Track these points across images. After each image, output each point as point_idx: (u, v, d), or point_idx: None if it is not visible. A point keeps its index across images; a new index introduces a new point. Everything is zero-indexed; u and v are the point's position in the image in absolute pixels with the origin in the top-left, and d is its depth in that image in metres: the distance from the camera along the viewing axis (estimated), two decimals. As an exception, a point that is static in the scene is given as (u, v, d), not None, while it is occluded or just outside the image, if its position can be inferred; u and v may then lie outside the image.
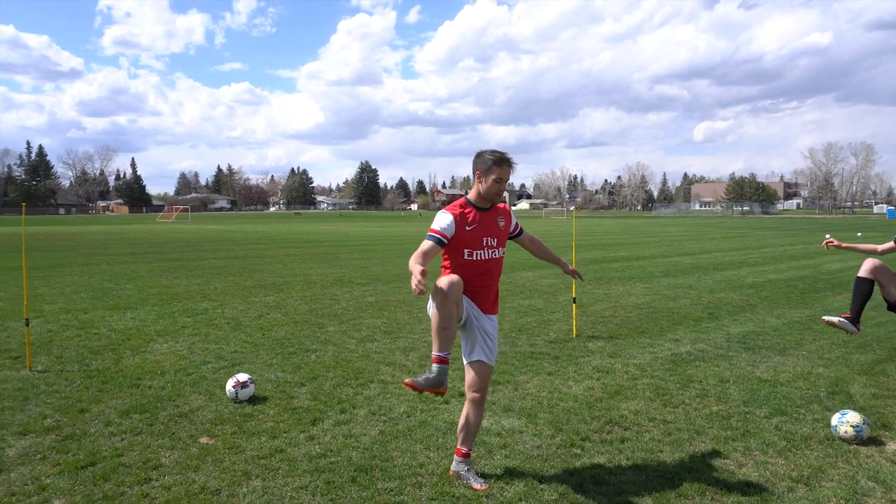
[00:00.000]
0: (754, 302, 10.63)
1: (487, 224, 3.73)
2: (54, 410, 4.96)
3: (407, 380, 3.50)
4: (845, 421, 4.38)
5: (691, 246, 25.65)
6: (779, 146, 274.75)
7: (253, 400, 5.20)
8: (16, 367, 6.25)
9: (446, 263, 3.73)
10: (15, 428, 4.58)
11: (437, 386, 3.47)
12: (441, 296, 3.37)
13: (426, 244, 3.55)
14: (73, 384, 5.65)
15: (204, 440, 4.39)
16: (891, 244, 5.37)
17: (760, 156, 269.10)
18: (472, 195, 3.76)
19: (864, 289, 5.11)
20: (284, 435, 4.48)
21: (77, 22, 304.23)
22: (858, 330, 5.18)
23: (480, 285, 3.72)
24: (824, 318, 5.33)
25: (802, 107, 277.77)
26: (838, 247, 5.40)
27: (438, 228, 3.59)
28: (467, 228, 3.64)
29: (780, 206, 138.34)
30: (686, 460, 4.10)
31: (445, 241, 3.59)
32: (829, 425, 4.57)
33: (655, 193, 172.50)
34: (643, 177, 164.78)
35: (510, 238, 4.03)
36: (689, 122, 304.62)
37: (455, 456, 3.86)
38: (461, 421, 3.84)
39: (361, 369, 6.24)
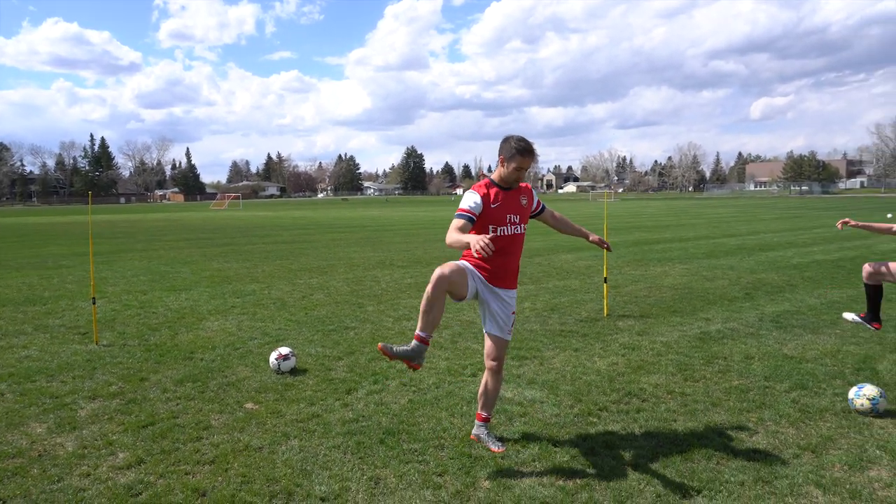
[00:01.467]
0: (796, 282, 10.49)
1: (511, 202, 3.95)
2: (118, 379, 5.50)
3: (381, 344, 3.59)
4: (862, 394, 4.46)
5: (739, 227, 25.07)
6: (843, 122, 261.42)
7: (294, 371, 5.62)
8: (84, 341, 6.88)
9: None
10: (85, 393, 5.12)
11: (410, 360, 3.60)
12: (434, 283, 3.60)
13: (458, 222, 3.78)
14: (134, 356, 6.21)
15: (249, 406, 4.82)
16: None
17: (823, 132, 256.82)
18: (495, 176, 3.98)
19: (870, 292, 5.16)
20: (321, 402, 4.87)
21: (136, 17, 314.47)
22: (879, 327, 5.21)
23: (503, 260, 3.95)
24: (844, 315, 5.39)
25: (871, 79, 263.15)
26: (855, 226, 5.34)
27: (467, 207, 3.83)
28: (492, 206, 3.87)
29: (841, 185, 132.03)
30: (698, 429, 4.28)
31: (474, 218, 3.82)
32: (846, 399, 4.65)
33: (708, 174, 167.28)
34: (695, 157, 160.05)
35: (533, 216, 4.25)
36: (745, 99, 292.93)
37: (476, 420, 4.16)
38: (481, 388, 4.13)
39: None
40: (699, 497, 3.38)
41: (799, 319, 7.64)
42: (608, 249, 4.63)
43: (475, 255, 3.36)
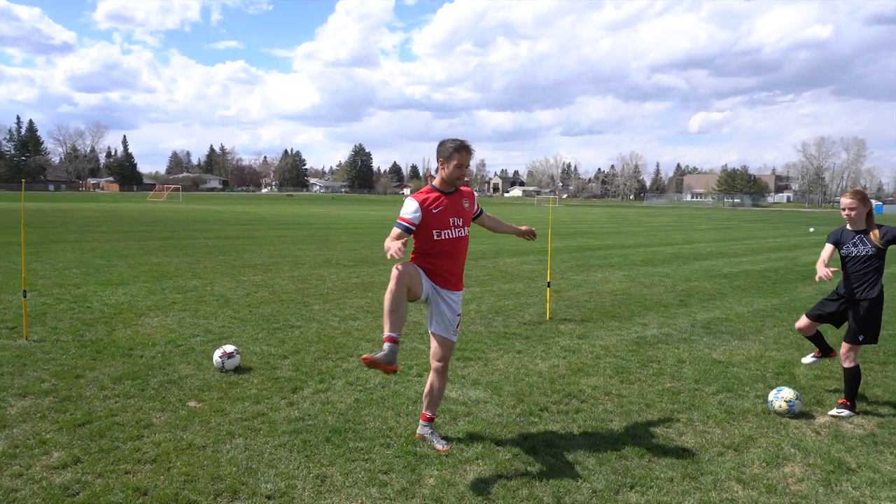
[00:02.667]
0: (726, 291, 11.07)
1: (453, 206, 4.05)
2: (51, 376, 5.30)
3: (365, 356, 3.62)
4: (780, 396, 4.80)
5: (676, 236, 26.14)
6: (773, 139, 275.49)
7: (238, 370, 5.56)
8: (13, 336, 6.57)
9: (416, 245, 4.08)
10: (15, 390, 4.92)
11: (388, 364, 3.61)
12: (395, 280, 3.69)
13: (395, 231, 3.88)
14: (69, 353, 5.99)
15: (192, 404, 4.75)
16: (828, 248, 5.00)
17: (754, 148, 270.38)
18: (436, 181, 4.09)
19: (810, 335, 5.34)
20: (266, 401, 4.85)
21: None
22: (834, 354, 5.40)
23: (448, 263, 4.07)
24: (803, 360, 5.68)
25: (799, 100, 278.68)
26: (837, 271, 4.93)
27: (405, 216, 3.91)
28: (434, 211, 3.96)
29: (770, 199, 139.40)
30: (632, 429, 4.51)
31: (413, 228, 3.92)
32: (766, 401, 4.99)
33: (648, 183, 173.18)
34: (636, 166, 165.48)
35: (473, 219, 4.34)
36: (685, 113, 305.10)
37: (420, 420, 4.26)
38: (426, 388, 4.24)
39: (342, 344, 6.61)
40: (632, 492, 3.58)
41: (727, 326, 8.09)
42: (533, 237, 4.61)
43: (387, 258, 3.52)
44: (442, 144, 4.03)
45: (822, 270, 4.77)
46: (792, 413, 4.75)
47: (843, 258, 4.94)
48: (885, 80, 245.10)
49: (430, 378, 4.22)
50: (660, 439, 4.33)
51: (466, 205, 4.16)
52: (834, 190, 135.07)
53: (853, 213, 4.80)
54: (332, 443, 4.12)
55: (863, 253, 4.77)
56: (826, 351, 5.46)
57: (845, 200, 4.83)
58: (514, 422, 4.59)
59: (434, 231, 3.98)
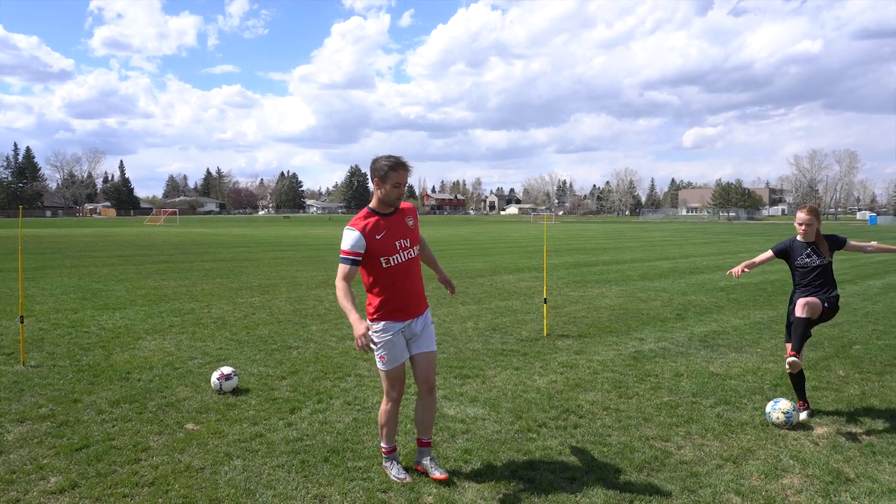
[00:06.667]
0: (722, 304, 11.10)
1: (396, 227, 3.77)
2: (48, 401, 5.29)
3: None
4: (777, 408, 4.81)
5: (672, 251, 26.21)
6: (766, 152, 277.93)
7: (236, 391, 5.56)
8: (10, 362, 6.56)
9: (366, 279, 3.81)
10: (12, 416, 4.91)
11: (401, 477, 3.88)
12: (388, 399, 3.93)
13: (343, 269, 3.64)
14: (66, 377, 5.98)
15: (190, 426, 4.74)
16: (768, 254, 5.33)
17: (748, 162, 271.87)
18: (374, 203, 3.79)
19: (797, 376, 5.11)
20: (264, 422, 4.85)
21: (67, 22, 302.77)
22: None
23: (404, 289, 3.80)
24: (801, 417, 5.06)
25: (791, 114, 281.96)
26: (748, 268, 5.29)
27: (348, 248, 3.64)
28: (377, 237, 3.68)
29: (765, 212, 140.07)
30: (631, 443, 4.51)
31: (359, 259, 3.66)
32: (764, 413, 5.00)
33: (643, 199, 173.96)
34: (631, 182, 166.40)
35: None
36: (678, 129, 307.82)
37: (417, 447, 4.05)
38: (417, 414, 4.01)
39: (340, 364, 6.61)
40: (631, 507, 3.57)
41: (724, 339, 8.11)
42: (451, 291, 4.36)
43: (356, 347, 3.45)
44: (375, 162, 3.73)
45: (738, 268, 5.21)
46: (790, 424, 4.75)
47: (796, 269, 5.19)
48: (874, 93, 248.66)
49: (422, 403, 3.96)
50: (658, 452, 4.33)
51: (410, 223, 3.87)
52: (828, 201, 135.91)
53: (809, 227, 5.10)
54: (330, 462, 4.11)
55: (817, 263, 5.08)
56: (805, 401, 5.17)
57: (803, 216, 5.13)
58: (512, 438, 4.59)
59: (382, 259, 3.70)
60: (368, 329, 3.46)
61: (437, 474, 3.88)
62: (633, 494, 3.70)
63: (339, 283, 3.68)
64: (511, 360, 6.91)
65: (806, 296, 5.04)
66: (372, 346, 3.54)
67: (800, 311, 4.85)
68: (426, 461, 3.99)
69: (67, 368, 6.31)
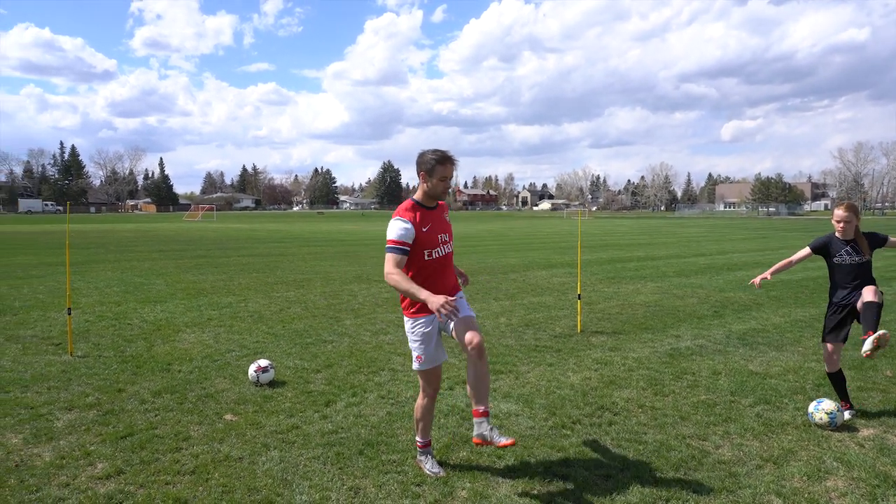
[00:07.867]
0: (762, 301, 10.83)
1: (438, 221, 3.81)
2: (94, 390, 5.48)
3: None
4: (821, 408, 4.68)
5: (709, 247, 25.67)
6: (809, 146, 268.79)
7: (273, 384, 5.66)
8: (58, 352, 6.81)
9: (407, 272, 3.72)
10: (61, 404, 5.10)
11: (436, 471, 3.92)
12: (424, 394, 3.95)
13: (394, 258, 3.58)
14: (110, 368, 6.18)
15: (228, 417, 4.86)
16: (806, 251, 5.25)
17: (789, 156, 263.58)
18: (418, 196, 3.80)
19: (837, 375, 5.04)
20: (300, 414, 4.93)
21: (109, 24, 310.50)
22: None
23: (441, 281, 3.80)
24: (845, 416, 4.87)
25: (835, 105, 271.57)
26: (770, 276, 5.24)
27: (398, 238, 3.61)
28: (423, 230, 3.70)
29: (807, 207, 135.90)
30: (667, 441, 4.44)
31: (408, 249, 3.64)
32: (806, 413, 4.86)
33: (679, 194, 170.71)
34: (666, 177, 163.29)
35: None
36: (716, 122, 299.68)
37: (474, 418, 3.69)
38: (470, 379, 3.70)
39: (374, 358, 6.67)
40: (667, 506, 3.52)
41: (764, 337, 7.92)
42: (465, 283, 4.33)
43: (440, 319, 3.42)
44: (422, 157, 3.75)
45: (758, 278, 5.26)
46: (833, 425, 4.62)
47: (834, 266, 5.12)
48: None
49: (473, 369, 3.64)
50: (695, 451, 4.25)
51: (448, 219, 3.95)
52: (874, 196, 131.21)
53: (848, 225, 5.05)
54: (365, 455, 4.16)
55: (856, 261, 5.00)
56: (847, 401, 5.05)
57: (840, 213, 5.07)
58: (546, 434, 4.57)
59: (425, 251, 3.71)
60: (447, 300, 3.36)
61: (503, 441, 3.56)
62: (670, 493, 3.65)
63: (393, 270, 3.59)
64: (544, 356, 6.87)
65: (836, 309, 5.04)
66: (454, 314, 3.40)
67: (872, 296, 4.77)
68: (486, 431, 3.61)
69: (112, 359, 6.52)
